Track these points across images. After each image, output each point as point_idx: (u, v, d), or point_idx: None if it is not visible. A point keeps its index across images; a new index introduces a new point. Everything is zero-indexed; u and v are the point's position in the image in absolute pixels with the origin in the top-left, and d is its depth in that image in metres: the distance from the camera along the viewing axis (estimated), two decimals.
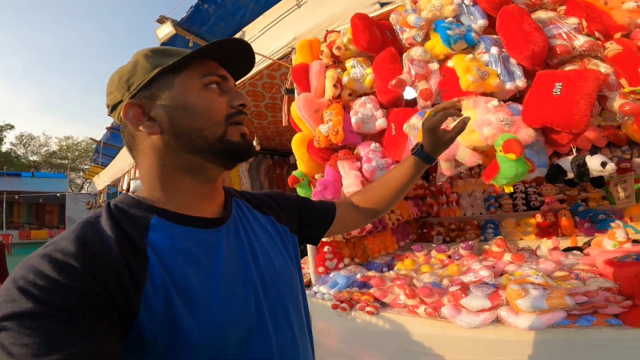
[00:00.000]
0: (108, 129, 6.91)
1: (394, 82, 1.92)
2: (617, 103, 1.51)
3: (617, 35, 1.66)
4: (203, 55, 0.60)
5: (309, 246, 2.50)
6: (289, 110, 2.78)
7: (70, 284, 0.43)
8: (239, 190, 0.79)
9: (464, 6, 1.96)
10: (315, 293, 2.21)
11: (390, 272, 2.41)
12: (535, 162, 1.58)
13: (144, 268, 0.50)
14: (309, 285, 2.41)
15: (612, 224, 2.08)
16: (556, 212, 2.91)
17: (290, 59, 2.82)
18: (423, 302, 1.78)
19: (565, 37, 1.66)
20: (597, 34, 1.66)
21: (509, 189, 1.61)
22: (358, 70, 2.23)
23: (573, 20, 1.70)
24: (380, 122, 2.14)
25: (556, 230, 2.87)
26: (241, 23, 3.22)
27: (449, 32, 1.86)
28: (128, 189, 6.07)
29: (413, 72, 1.95)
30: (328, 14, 2.63)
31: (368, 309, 1.86)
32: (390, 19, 2.22)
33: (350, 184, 2.11)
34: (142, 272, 0.49)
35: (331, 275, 2.30)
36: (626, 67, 1.53)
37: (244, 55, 0.67)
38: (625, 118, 1.52)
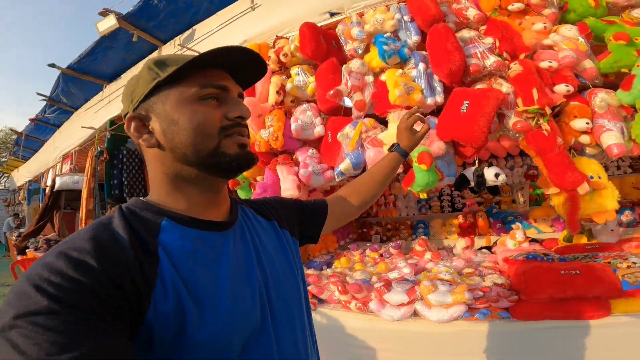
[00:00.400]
0: (32, 120, 6.18)
1: (331, 92, 2.04)
2: (511, 121, 1.76)
3: (522, 56, 1.88)
4: (202, 66, 0.59)
5: None
6: None
7: (86, 282, 0.43)
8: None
9: (402, 22, 2.12)
10: None
11: (328, 270, 2.54)
12: (445, 172, 1.80)
13: (155, 268, 0.51)
14: None
15: (513, 225, 2.42)
16: (474, 214, 3.29)
17: None
18: (354, 297, 1.93)
19: (479, 56, 1.89)
20: (505, 54, 1.88)
21: (423, 195, 1.81)
22: (302, 78, 2.31)
23: (489, 40, 1.93)
24: (319, 130, 2.24)
25: (474, 230, 3.24)
26: (193, 21, 3.13)
27: (385, 47, 2.01)
28: (53, 186, 5.51)
29: (350, 84, 2.08)
30: (279, 20, 2.69)
31: None
32: (337, 30, 2.33)
33: (287, 187, 2.19)
34: (153, 272, 0.50)
35: None
36: (523, 88, 1.75)
37: (254, 61, 0.66)
38: (517, 135, 1.78)
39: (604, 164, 3.07)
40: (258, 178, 2.49)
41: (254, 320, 0.58)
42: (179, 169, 0.59)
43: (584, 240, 2.25)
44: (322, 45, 2.22)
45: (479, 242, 2.96)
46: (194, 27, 3.14)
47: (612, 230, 2.22)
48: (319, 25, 2.34)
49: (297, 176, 2.20)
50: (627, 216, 2.78)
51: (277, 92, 2.28)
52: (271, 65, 2.45)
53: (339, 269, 2.50)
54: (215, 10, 3.01)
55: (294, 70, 2.34)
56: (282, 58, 2.37)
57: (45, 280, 0.42)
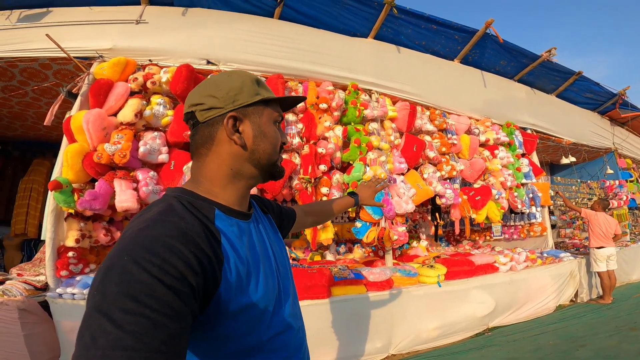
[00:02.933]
0: None
1: (189, 133, 2.62)
2: (294, 182, 2.97)
3: (312, 142, 3.11)
4: (280, 99, 0.79)
5: (48, 253, 2.46)
6: (56, 111, 2.69)
7: (180, 267, 0.50)
8: None
9: None
10: (61, 294, 2.31)
11: None
12: None
13: (220, 249, 0.60)
14: (46, 288, 2.38)
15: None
16: None
17: (89, 64, 2.72)
18: None
19: (291, 136, 2.98)
20: (303, 139, 3.04)
21: None
22: (161, 109, 2.67)
23: (300, 126, 3.04)
24: (163, 157, 2.70)
25: None
26: (52, 1, 2.75)
27: None
28: None
29: None
30: (159, 45, 2.78)
31: None
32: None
33: (125, 199, 2.46)
34: (219, 252, 0.59)
35: (78, 278, 2.42)
36: (305, 163, 2.98)
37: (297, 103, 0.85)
38: (296, 191, 3.01)
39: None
40: (76, 185, 2.52)
41: (275, 290, 0.73)
42: (246, 167, 0.72)
43: (319, 258, 3.78)
44: (191, 88, 2.64)
45: None
46: (50, 9, 2.78)
47: (332, 253, 3.89)
48: (194, 67, 2.77)
49: (137, 191, 2.52)
50: (342, 248, 4.68)
51: (135, 115, 2.55)
52: (132, 85, 2.63)
53: None
54: (92, 4, 2.81)
55: (156, 99, 2.67)
56: (149, 85, 2.64)
57: (147, 261, 0.48)
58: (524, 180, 4.61)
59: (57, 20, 2.79)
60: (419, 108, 3.88)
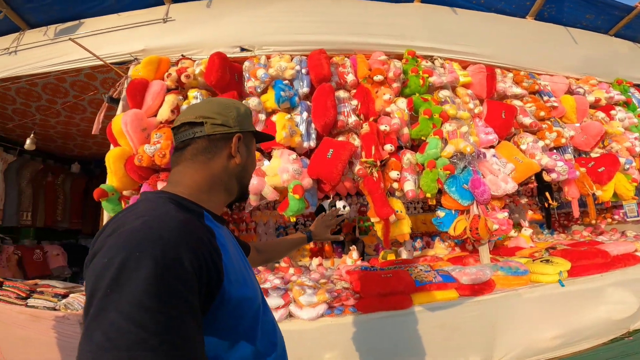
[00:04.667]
0: None
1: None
2: (356, 168, 2.46)
3: (371, 119, 2.60)
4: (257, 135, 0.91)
5: None
6: (103, 119, 2.59)
7: (195, 263, 0.53)
8: None
9: (300, 73, 2.58)
10: None
11: None
12: (310, 202, 2.32)
13: (217, 243, 0.63)
14: None
15: (351, 248, 3.18)
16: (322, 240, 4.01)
17: (127, 68, 2.68)
18: None
19: (346, 114, 2.52)
20: (361, 116, 2.58)
21: (293, 219, 2.27)
22: None
23: (355, 102, 2.58)
24: None
25: (322, 253, 3.94)
26: (83, 13, 2.85)
27: (282, 92, 2.41)
28: None
29: None
30: (189, 40, 2.73)
31: None
32: (244, 66, 2.59)
33: None
34: (217, 246, 0.62)
35: None
36: (367, 144, 2.46)
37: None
38: (359, 178, 2.49)
39: (405, 204, 4.33)
40: (126, 192, 2.38)
41: (260, 292, 0.79)
42: (232, 183, 0.81)
43: (393, 257, 3.20)
44: (227, 77, 2.46)
45: (327, 263, 3.63)
46: (82, 20, 2.85)
47: (408, 250, 3.28)
48: (228, 56, 2.56)
49: None
50: (418, 243, 4.05)
51: (172, 111, 2.35)
52: (168, 82, 2.49)
53: None
54: (119, 10, 2.85)
55: (192, 93, 2.46)
56: (183, 79, 2.47)
57: (159, 256, 0.49)
58: None
59: (90, 30, 2.84)
60: (497, 71, 3.16)
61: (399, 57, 2.99)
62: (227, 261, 0.63)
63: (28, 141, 3.51)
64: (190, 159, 0.75)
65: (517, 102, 3.06)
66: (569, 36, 3.87)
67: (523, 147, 2.85)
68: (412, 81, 2.76)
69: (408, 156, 2.54)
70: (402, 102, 2.70)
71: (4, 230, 4.18)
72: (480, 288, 2.25)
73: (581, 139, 3.17)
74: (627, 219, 3.55)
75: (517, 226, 3.70)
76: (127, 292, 0.44)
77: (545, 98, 3.22)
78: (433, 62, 3.09)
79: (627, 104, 3.65)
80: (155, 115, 2.45)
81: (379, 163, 2.47)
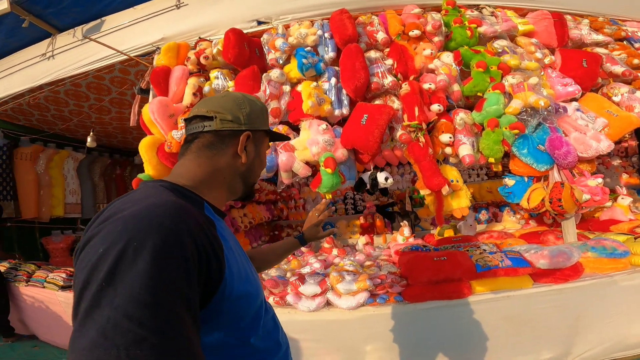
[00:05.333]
0: None
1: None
2: (398, 133, 2.11)
3: (411, 77, 2.24)
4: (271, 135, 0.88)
5: None
6: (139, 110, 2.60)
7: (196, 254, 0.50)
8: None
9: (323, 38, 2.32)
10: None
11: None
12: (347, 176, 2.06)
13: (217, 234, 0.59)
14: None
15: (402, 224, 2.86)
16: (373, 215, 3.74)
17: (152, 58, 2.66)
18: (272, 292, 2.02)
19: (380, 75, 2.20)
20: (399, 75, 2.23)
21: (329, 196, 2.03)
22: (221, 82, 2.31)
23: (389, 62, 2.25)
24: None
25: (373, 230, 3.69)
26: (102, 12, 2.88)
27: (305, 60, 2.16)
28: None
29: (268, 92, 2.18)
30: (204, 22, 2.65)
31: None
32: (262, 39, 2.41)
33: None
34: (218, 237, 0.59)
35: None
36: (408, 105, 2.10)
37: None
38: (402, 145, 2.14)
39: (466, 171, 3.78)
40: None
41: (261, 289, 0.75)
42: (235, 181, 0.78)
43: (451, 234, 2.82)
44: (245, 52, 2.28)
45: (378, 240, 3.38)
46: (103, 18, 2.89)
47: (470, 225, 2.85)
48: (245, 32, 2.40)
49: None
50: (483, 215, 3.56)
51: (194, 94, 2.25)
52: (189, 66, 2.40)
53: None
54: (133, 4, 2.84)
55: (213, 74, 2.33)
56: (202, 60, 2.36)
57: (158, 247, 0.45)
58: None
59: (111, 27, 2.86)
60: (568, 17, 2.65)
61: (437, 9, 2.52)
62: (229, 253, 0.60)
63: (89, 139, 3.78)
64: (196, 153, 0.73)
65: (601, 50, 2.53)
66: None
67: (616, 98, 2.28)
68: (457, 33, 2.34)
69: (461, 115, 2.11)
70: (447, 57, 2.27)
71: (84, 222, 4.68)
72: (563, 274, 1.81)
73: None
74: None
75: (612, 193, 2.99)
76: (125, 286, 0.41)
77: (637, 45, 2.72)
78: (481, 12, 2.59)
79: None
80: (182, 101, 2.37)
81: (425, 126, 2.09)
